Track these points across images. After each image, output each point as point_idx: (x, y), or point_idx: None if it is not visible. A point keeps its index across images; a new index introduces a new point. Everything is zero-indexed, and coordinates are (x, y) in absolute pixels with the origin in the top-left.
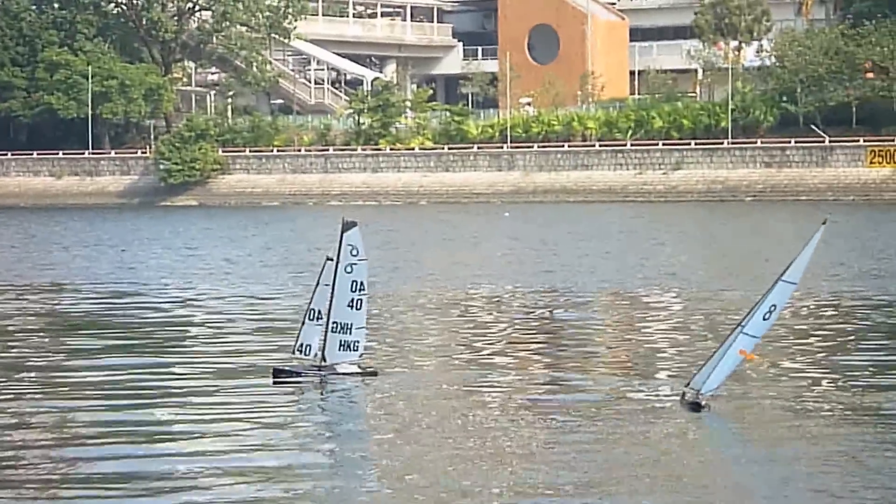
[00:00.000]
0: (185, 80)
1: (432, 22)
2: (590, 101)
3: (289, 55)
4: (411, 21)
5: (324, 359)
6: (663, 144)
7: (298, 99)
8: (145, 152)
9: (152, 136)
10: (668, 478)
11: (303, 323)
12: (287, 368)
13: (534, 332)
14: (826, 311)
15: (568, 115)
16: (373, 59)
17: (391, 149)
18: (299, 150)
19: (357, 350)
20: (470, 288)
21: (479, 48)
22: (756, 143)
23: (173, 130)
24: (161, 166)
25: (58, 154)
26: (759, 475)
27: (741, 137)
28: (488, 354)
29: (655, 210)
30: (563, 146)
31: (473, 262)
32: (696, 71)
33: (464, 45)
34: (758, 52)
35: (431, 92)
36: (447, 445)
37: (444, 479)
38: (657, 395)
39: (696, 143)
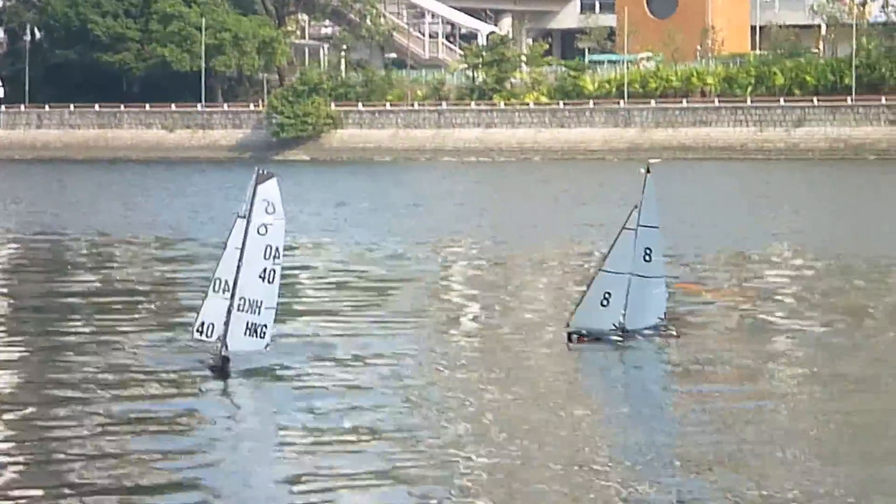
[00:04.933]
0: (298, 33)
1: None
2: (709, 56)
3: (403, 8)
4: None
5: (225, 346)
6: (785, 101)
7: (412, 53)
8: (258, 106)
9: (265, 90)
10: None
11: (205, 296)
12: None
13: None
14: None
15: (687, 70)
16: (488, 12)
17: (505, 104)
18: (412, 105)
19: (264, 338)
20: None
21: (597, 2)
22: (881, 100)
23: (286, 84)
24: (273, 120)
25: (170, 107)
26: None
27: (865, 95)
28: None
29: (777, 168)
30: (681, 102)
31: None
32: (819, 26)
33: None
34: (883, 7)
35: (547, 46)
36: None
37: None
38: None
39: (818, 100)
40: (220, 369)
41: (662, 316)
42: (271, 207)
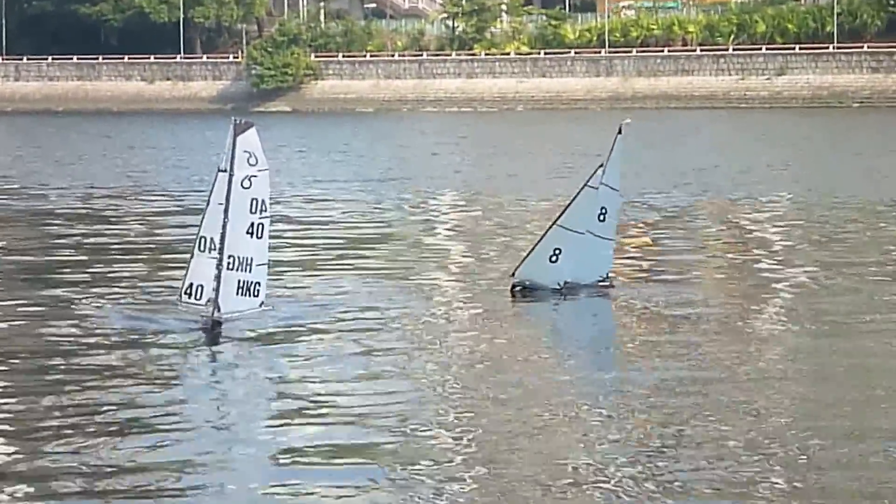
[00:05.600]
0: None
1: None
2: (690, 4)
3: None
4: None
5: (217, 307)
6: (766, 49)
7: (391, 2)
8: (237, 57)
9: (244, 41)
10: None
11: (191, 256)
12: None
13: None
14: None
15: (668, 18)
16: None
17: (486, 54)
18: (392, 56)
19: (258, 296)
20: None
21: None
22: (863, 47)
23: (265, 35)
24: (253, 72)
25: (149, 58)
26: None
27: (847, 42)
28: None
29: (760, 116)
30: (662, 51)
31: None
32: None
33: None
34: None
35: None
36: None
37: None
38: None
39: (800, 48)
40: (212, 332)
41: (605, 275)
42: (253, 158)
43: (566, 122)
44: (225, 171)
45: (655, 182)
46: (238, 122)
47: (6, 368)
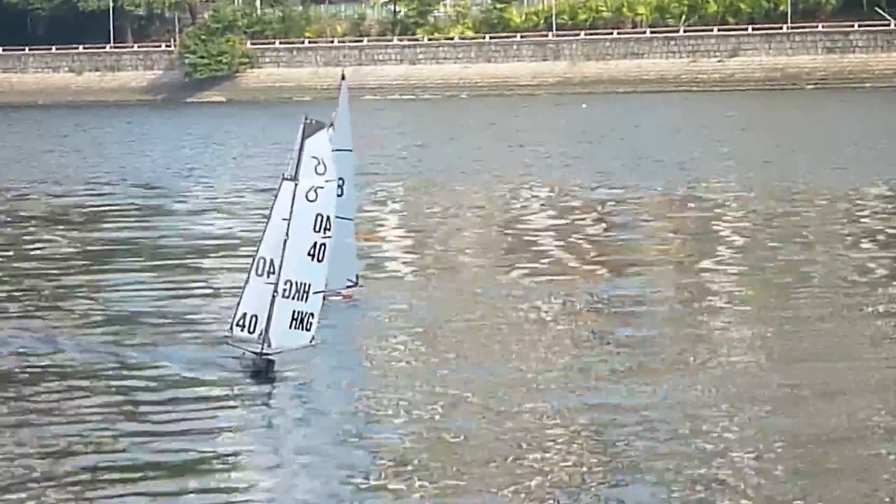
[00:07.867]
0: None
1: None
2: None
3: None
4: None
5: (267, 342)
6: (718, 30)
7: None
8: (169, 45)
9: (177, 29)
10: None
11: (246, 280)
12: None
13: None
14: None
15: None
16: None
17: (429, 39)
18: (332, 42)
19: (310, 329)
20: None
21: None
22: (817, 27)
23: (199, 22)
24: (186, 60)
25: (77, 48)
26: None
27: (802, 22)
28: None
29: (711, 99)
30: (611, 34)
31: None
32: None
33: None
34: None
35: None
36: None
37: None
38: None
39: (753, 29)
40: (263, 373)
41: (354, 279)
42: (322, 166)
43: (509, 108)
44: (290, 179)
45: (602, 171)
46: (309, 121)
47: (32, 398)
